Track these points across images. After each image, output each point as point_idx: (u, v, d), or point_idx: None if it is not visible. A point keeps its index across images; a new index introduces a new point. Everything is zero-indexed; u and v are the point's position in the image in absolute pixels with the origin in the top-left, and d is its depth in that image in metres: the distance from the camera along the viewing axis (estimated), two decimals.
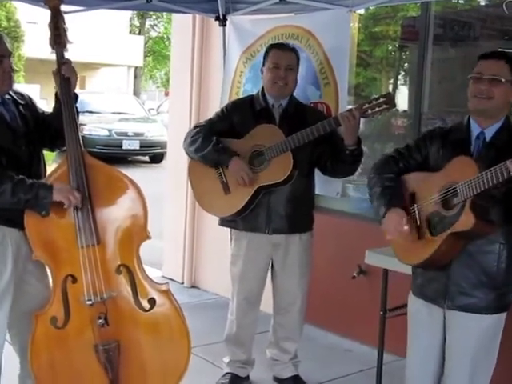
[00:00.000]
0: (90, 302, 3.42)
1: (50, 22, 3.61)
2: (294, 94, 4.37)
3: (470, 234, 2.95)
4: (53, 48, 3.61)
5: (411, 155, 3.30)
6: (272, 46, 4.37)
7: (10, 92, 3.59)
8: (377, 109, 3.93)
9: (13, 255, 3.50)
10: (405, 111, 5.95)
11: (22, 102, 3.62)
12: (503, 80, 3.05)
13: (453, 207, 3.00)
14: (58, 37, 3.59)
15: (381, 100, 3.92)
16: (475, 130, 3.15)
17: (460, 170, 2.99)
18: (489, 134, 3.12)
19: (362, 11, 5.90)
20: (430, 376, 3.33)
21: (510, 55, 3.15)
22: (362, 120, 4.06)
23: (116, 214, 3.56)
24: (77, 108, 3.63)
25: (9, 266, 3.48)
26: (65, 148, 3.54)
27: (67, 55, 3.63)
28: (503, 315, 3.18)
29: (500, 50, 3.31)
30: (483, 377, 3.22)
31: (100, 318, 3.42)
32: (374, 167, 3.38)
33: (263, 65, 4.33)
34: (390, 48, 6.58)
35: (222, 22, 5.44)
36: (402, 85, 6.51)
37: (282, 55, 4.24)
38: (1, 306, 3.49)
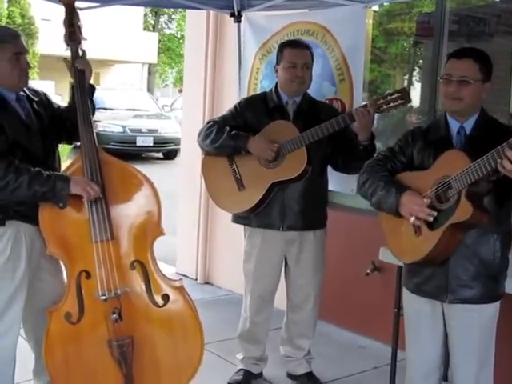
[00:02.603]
0: (104, 298, 3.43)
1: (64, 19, 3.63)
2: (310, 89, 4.35)
3: (468, 223, 2.98)
4: (68, 45, 3.63)
5: (396, 157, 3.34)
6: (286, 45, 4.32)
7: (24, 89, 3.61)
8: (391, 104, 3.92)
9: (27, 250, 3.52)
10: (419, 107, 5.94)
11: (35, 99, 3.64)
12: (472, 81, 3.09)
13: (447, 200, 3.04)
14: (73, 34, 3.61)
15: (395, 95, 3.91)
16: (454, 125, 3.20)
17: (451, 163, 3.03)
18: (468, 127, 3.18)
19: (376, 7, 5.88)
20: (434, 373, 3.38)
21: (478, 52, 3.18)
22: (376, 116, 4.05)
23: (130, 210, 3.57)
24: (93, 101, 3.67)
25: (23, 262, 3.50)
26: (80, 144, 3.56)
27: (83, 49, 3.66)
28: (498, 304, 3.25)
29: (468, 46, 3.32)
30: (489, 366, 3.28)
31: (114, 313, 3.43)
32: (365, 171, 3.39)
33: (277, 63, 4.31)
34: (405, 44, 6.56)
35: (237, 19, 5.43)
36: (417, 81, 6.49)
37: (298, 54, 4.21)
38: (15, 302, 3.51)
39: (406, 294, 3.41)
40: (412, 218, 3.10)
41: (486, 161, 2.82)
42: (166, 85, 39.92)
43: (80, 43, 3.62)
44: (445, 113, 3.26)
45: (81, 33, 3.63)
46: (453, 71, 3.12)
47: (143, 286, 3.52)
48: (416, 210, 3.08)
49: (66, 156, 6.63)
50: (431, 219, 3.05)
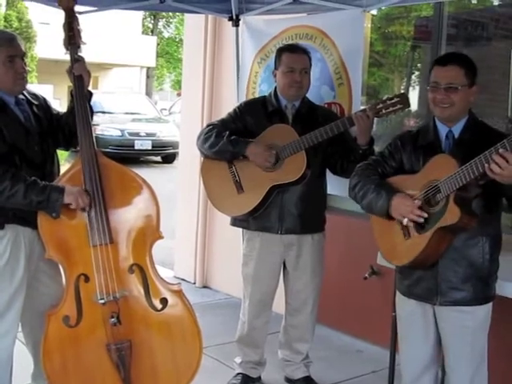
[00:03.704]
0: (102, 301, 3.43)
1: (64, 23, 3.63)
2: (309, 94, 4.35)
3: (456, 227, 3.02)
4: (67, 49, 3.63)
5: (386, 162, 3.38)
6: (284, 49, 4.31)
7: (24, 92, 3.62)
8: (391, 109, 3.93)
9: (26, 254, 3.52)
10: (417, 111, 5.93)
11: (35, 103, 3.65)
12: (459, 87, 3.12)
13: (436, 204, 3.07)
14: (72, 37, 3.61)
15: (395, 100, 3.91)
16: (443, 130, 3.24)
17: (440, 167, 3.07)
18: (456, 131, 3.22)
19: (374, 11, 5.88)
20: (426, 373, 3.39)
21: (462, 57, 3.22)
22: (374, 120, 4.05)
23: (129, 214, 3.57)
24: (91, 106, 3.66)
25: (21, 265, 3.50)
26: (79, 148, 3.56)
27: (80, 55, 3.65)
28: (490, 305, 3.28)
29: (453, 52, 3.35)
30: (484, 368, 3.31)
31: (112, 317, 3.43)
32: (356, 174, 3.43)
33: (275, 68, 4.31)
34: (403, 48, 6.55)
35: (236, 23, 5.43)
36: (415, 85, 6.48)
37: (296, 59, 4.21)
38: (14, 305, 3.51)
39: (399, 297, 3.45)
40: (405, 220, 3.14)
41: (473, 165, 2.87)
42: (161, 88, 39.90)
43: (79, 47, 3.63)
44: (433, 117, 3.30)
45: (80, 37, 3.63)
46: (439, 79, 3.15)
47: (142, 290, 3.52)
48: (407, 211, 3.12)
49: (64, 160, 6.62)
50: (422, 220, 3.09)
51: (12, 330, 3.56)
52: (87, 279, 3.46)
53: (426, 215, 3.07)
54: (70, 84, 3.62)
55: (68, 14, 3.65)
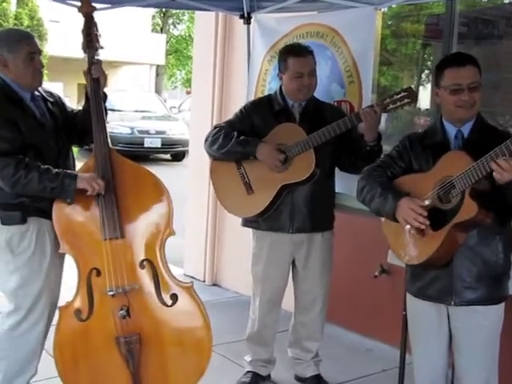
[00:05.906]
0: (111, 293, 3.49)
1: (82, 29, 3.75)
2: (319, 91, 4.34)
3: (472, 222, 3.00)
4: (85, 52, 3.75)
5: (395, 163, 3.35)
6: (289, 53, 4.22)
7: (40, 89, 3.74)
8: (398, 103, 3.92)
9: (51, 242, 3.64)
10: (428, 109, 5.92)
11: (50, 100, 3.79)
12: (479, 86, 3.14)
13: (450, 200, 3.05)
14: (90, 42, 3.73)
15: (402, 94, 3.90)
16: (451, 130, 3.24)
17: (453, 163, 3.05)
18: (466, 131, 3.21)
19: (385, 9, 5.86)
20: (441, 375, 3.38)
21: (472, 56, 3.22)
22: (384, 119, 4.04)
23: (141, 209, 3.62)
24: (105, 107, 3.75)
25: (48, 252, 3.64)
26: (91, 146, 3.64)
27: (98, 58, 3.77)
28: (503, 306, 3.27)
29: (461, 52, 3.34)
30: (496, 370, 3.29)
31: (122, 309, 3.48)
32: (363, 177, 3.40)
33: (281, 71, 4.25)
34: (414, 46, 6.54)
35: (247, 20, 5.43)
36: (426, 83, 6.47)
37: (303, 63, 4.16)
38: (44, 292, 3.65)
39: (410, 299, 3.42)
40: (407, 227, 3.13)
41: (489, 159, 2.84)
42: (176, 86, 39.91)
43: (97, 50, 3.74)
44: (440, 118, 3.28)
45: (98, 41, 3.76)
46: (461, 80, 3.12)
47: (152, 285, 3.56)
48: (411, 217, 3.09)
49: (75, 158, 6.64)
50: (423, 227, 3.07)
51: (43, 316, 3.68)
52: (99, 273, 3.52)
53: (428, 222, 3.05)
54: (80, 82, 3.71)
55: (87, 19, 3.77)
